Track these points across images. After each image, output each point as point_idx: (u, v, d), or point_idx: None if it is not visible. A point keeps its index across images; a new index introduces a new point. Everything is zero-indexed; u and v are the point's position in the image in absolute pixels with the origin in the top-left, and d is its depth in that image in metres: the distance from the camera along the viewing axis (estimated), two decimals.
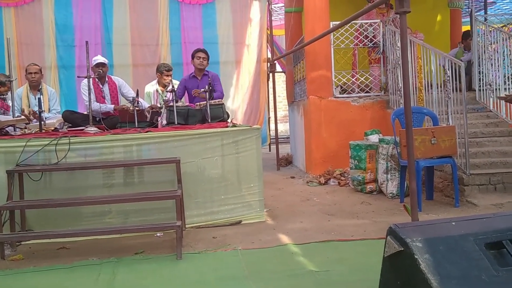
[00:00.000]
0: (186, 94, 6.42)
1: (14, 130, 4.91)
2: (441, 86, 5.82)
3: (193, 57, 6.30)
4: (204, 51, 6.31)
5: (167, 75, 6.51)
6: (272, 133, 9.53)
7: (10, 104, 5.72)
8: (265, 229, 4.51)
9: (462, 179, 5.28)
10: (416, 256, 2.16)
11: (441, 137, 5.01)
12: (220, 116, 5.33)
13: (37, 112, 5.04)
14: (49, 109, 6.02)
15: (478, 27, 6.99)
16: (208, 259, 3.70)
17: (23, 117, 5.35)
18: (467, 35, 7.90)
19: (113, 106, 5.92)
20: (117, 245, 4.16)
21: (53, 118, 5.60)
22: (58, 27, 7.88)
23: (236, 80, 8.56)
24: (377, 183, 5.92)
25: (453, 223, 2.40)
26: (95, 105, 5.68)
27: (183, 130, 4.84)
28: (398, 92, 6.54)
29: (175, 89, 5.48)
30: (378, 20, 7.37)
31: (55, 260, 3.81)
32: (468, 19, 10.18)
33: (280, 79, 14.28)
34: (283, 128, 14.02)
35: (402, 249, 2.24)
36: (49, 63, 7.81)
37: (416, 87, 6.17)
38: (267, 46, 8.94)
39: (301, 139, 8.06)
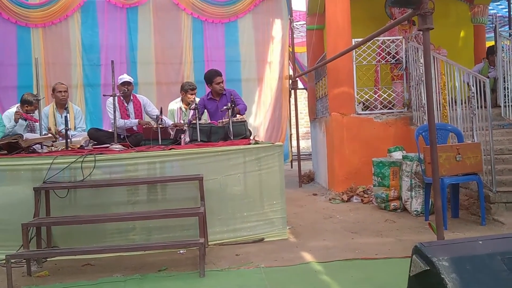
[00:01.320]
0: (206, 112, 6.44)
1: (41, 148, 5.02)
2: (465, 102, 5.75)
3: (210, 82, 6.10)
4: (220, 73, 6.15)
5: (192, 94, 6.59)
6: (294, 149, 9.53)
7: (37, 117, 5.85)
8: (287, 247, 4.49)
9: (488, 196, 5.18)
10: (442, 276, 2.12)
11: (466, 154, 4.94)
12: (242, 133, 5.36)
13: (63, 130, 5.14)
14: (75, 127, 6.15)
15: (502, 43, 6.92)
16: (231, 277, 3.70)
17: (50, 135, 5.47)
18: (492, 51, 7.82)
19: (137, 120, 6.01)
20: (141, 262, 4.18)
21: (78, 136, 5.71)
22: (85, 47, 8.09)
23: (258, 97, 8.62)
24: (401, 201, 5.85)
25: (480, 242, 2.35)
26: (120, 121, 5.77)
27: (206, 147, 4.87)
28: (422, 109, 6.49)
29: (198, 107, 5.52)
30: (401, 37, 7.36)
31: (80, 277, 3.86)
32: (492, 34, 10.08)
33: (302, 96, 14.31)
34: (305, 145, 13.99)
35: (429, 268, 2.20)
36: (76, 82, 8.01)
37: (440, 104, 6.11)
38: (289, 63, 8.99)
39: (323, 156, 8.03)
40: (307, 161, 10.70)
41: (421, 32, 4.14)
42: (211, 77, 6.11)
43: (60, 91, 6.09)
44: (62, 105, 6.17)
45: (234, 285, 3.52)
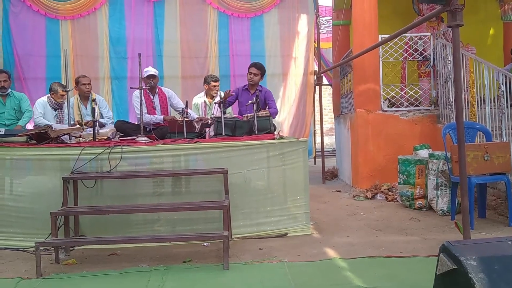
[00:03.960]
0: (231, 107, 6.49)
1: (69, 139, 5.11)
2: (494, 101, 5.65)
3: (248, 70, 6.32)
4: (257, 66, 6.25)
5: (214, 85, 6.63)
6: (318, 146, 9.51)
7: (64, 116, 5.99)
8: (311, 242, 4.49)
9: None
10: (470, 275, 2.11)
11: (494, 153, 4.86)
12: (267, 128, 5.38)
13: (93, 120, 5.22)
14: (101, 116, 6.23)
15: None
16: (255, 270, 3.72)
17: (78, 126, 5.57)
18: None
19: (162, 116, 6.07)
20: (165, 253, 4.23)
21: (106, 128, 5.79)
22: (112, 40, 8.19)
23: (282, 93, 8.62)
24: (426, 199, 5.78)
25: (509, 242, 2.33)
26: (146, 117, 5.84)
27: (230, 141, 4.89)
28: (449, 107, 6.40)
29: (223, 101, 5.55)
30: (429, 34, 7.25)
31: (106, 266, 3.93)
32: None
33: (326, 92, 14.24)
34: (329, 141, 13.93)
35: (456, 267, 2.19)
36: (103, 74, 8.13)
37: (468, 102, 6.02)
38: (314, 59, 8.95)
39: (347, 152, 7.99)
40: (331, 157, 10.66)
41: (449, 29, 4.07)
42: (249, 65, 6.29)
43: (84, 84, 6.18)
44: (86, 97, 6.27)
45: (257, 278, 3.53)
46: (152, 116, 6.01)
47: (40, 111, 6.00)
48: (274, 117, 6.14)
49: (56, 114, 6.07)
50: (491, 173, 4.92)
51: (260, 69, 6.26)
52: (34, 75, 8.00)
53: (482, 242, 2.39)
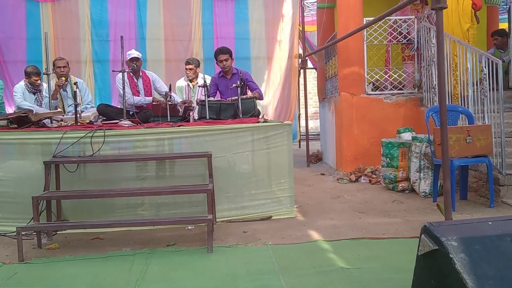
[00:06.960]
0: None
1: (51, 122, 5.04)
2: (477, 84, 5.69)
3: (216, 59, 6.05)
4: (223, 51, 5.95)
5: (186, 68, 6.58)
6: (302, 129, 9.51)
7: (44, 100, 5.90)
8: (295, 225, 4.52)
9: (497, 179, 5.16)
10: (451, 255, 2.13)
11: (476, 136, 4.91)
12: (251, 110, 5.36)
13: (75, 104, 5.14)
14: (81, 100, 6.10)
15: None
16: (239, 253, 3.73)
17: (59, 109, 5.49)
18: (497, 33, 7.66)
19: (151, 98, 6.00)
20: (149, 237, 4.23)
21: (88, 111, 5.71)
22: (94, 22, 8.05)
23: (267, 76, 8.57)
24: (409, 182, 5.84)
25: (490, 223, 2.36)
26: (136, 99, 5.77)
27: (214, 124, 4.87)
28: (433, 90, 6.43)
29: (207, 84, 5.50)
30: (413, 17, 7.25)
31: (90, 250, 3.91)
32: (506, 16, 9.94)
33: (311, 75, 14.22)
34: (313, 124, 13.96)
35: (437, 247, 2.21)
36: (85, 57, 8.00)
37: (451, 85, 6.05)
38: (298, 42, 8.90)
39: (331, 136, 8.01)
40: (315, 141, 10.68)
41: (433, 12, 4.07)
42: (215, 54, 6.04)
43: (59, 67, 5.99)
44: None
45: (241, 261, 3.54)
46: (140, 98, 5.95)
47: (20, 95, 5.90)
48: (262, 99, 6.06)
49: (36, 97, 5.96)
50: (472, 156, 4.98)
51: (227, 52, 5.95)
52: (14, 58, 7.87)
53: (463, 223, 2.41)
